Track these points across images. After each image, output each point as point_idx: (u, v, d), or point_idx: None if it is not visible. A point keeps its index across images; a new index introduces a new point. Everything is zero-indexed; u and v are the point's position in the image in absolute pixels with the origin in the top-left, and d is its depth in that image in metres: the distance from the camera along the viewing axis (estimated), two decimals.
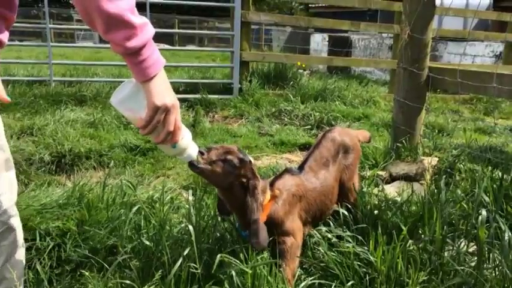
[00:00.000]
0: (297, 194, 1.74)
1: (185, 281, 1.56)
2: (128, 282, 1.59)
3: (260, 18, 6.64)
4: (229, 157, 1.51)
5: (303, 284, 1.61)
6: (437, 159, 3.07)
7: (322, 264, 1.71)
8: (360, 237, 1.79)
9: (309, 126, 4.70)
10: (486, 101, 6.47)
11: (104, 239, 1.90)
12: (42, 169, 3.11)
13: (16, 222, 1.36)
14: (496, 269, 1.55)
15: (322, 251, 1.72)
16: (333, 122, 4.74)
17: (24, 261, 1.45)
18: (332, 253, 1.69)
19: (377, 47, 10.73)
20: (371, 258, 1.63)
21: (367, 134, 2.35)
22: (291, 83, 6.16)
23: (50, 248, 1.84)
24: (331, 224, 1.88)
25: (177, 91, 5.58)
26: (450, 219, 1.92)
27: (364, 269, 1.63)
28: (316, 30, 13.59)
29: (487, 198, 2.02)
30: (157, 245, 1.75)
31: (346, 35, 11.51)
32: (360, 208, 2.01)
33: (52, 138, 3.48)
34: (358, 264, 1.63)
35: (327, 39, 11.76)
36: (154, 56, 1.14)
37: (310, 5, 22.16)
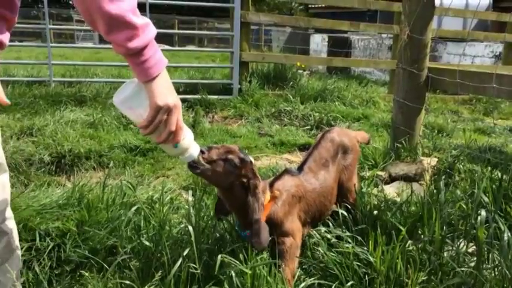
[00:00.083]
0: (297, 194, 1.74)
1: (185, 282, 1.56)
2: (127, 282, 1.59)
3: (260, 19, 6.65)
4: (230, 156, 1.51)
5: (302, 284, 1.61)
6: (436, 159, 3.07)
7: (321, 265, 1.71)
8: (359, 238, 1.79)
9: (309, 127, 4.70)
10: (486, 101, 6.47)
11: (104, 239, 1.90)
12: (42, 170, 3.11)
13: (10, 225, 1.35)
14: (495, 269, 1.55)
15: (322, 251, 1.72)
16: (332, 123, 4.75)
17: (20, 264, 1.45)
18: (331, 253, 1.69)
19: (376, 48, 10.74)
20: (370, 258, 1.63)
21: (366, 135, 2.35)
22: (291, 83, 6.16)
23: (49, 248, 1.84)
24: (331, 224, 1.89)
25: (176, 91, 5.46)
26: (449, 220, 1.93)
27: (364, 269, 1.63)
28: (316, 30, 13.59)
29: (486, 199, 2.02)
30: (157, 245, 1.75)
31: (345, 35, 11.51)
32: (360, 208, 2.01)
33: (52, 138, 3.48)
34: (357, 265, 1.63)
35: (327, 39, 11.76)
36: (157, 56, 1.14)
37: (309, 6, 22.16)
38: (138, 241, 1.82)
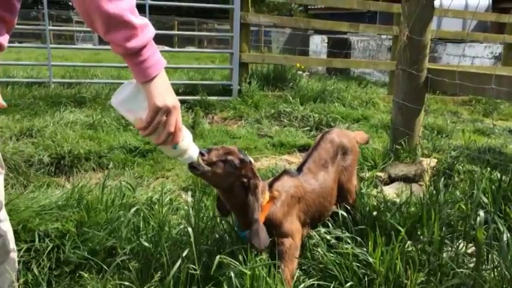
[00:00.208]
0: (296, 195, 1.74)
1: (184, 282, 1.56)
2: (126, 283, 1.59)
3: (259, 20, 6.67)
4: (230, 158, 1.51)
5: (302, 285, 1.61)
6: (436, 160, 3.07)
7: (321, 266, 1.71)
8: (358, 239, 1.79)
9: (308, 128, 4.70)
10: (485, 102, 6.48)
11: (103, 240, 1.90)
12: (42, 171, 3.11)
13: (5, 228, 1.34)
14: (495, 270, 1.55)
15: (321, 252, 1.72)
16: (332, 124, 4.75)
17: (16, 266, 1.44)
18: (331, 254, 1.69)
19: (376, 49, 10.75)
20: (370, 259, 1.63)
21: (365, 136, 2.35)
22: (290, 84, 6.16)
23: (49, 249, 1.83)
24: (330, 225, 1.88)
25: (176, 92, 5.47)
26: (449, 221, 1.93)
27: (363, 270, 1.63)
28: (316, 31, 13.60)
29: (485, 200, 2.02)
30: (156, 246, 1.75)
31: (345, 36, 11.52)
32: (359, 209, 2.01)
33: (51, 139, 3.48)
34: (357, 265, 1.63)
35: (326, 40, 11.78)
36: (155, 56, 1.14)
37: (309, 7, 22.19)
38: (138, 242, 1.82)
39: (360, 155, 2.60)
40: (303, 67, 7.25)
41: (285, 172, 1.83)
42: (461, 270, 1.59)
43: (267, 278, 1.51)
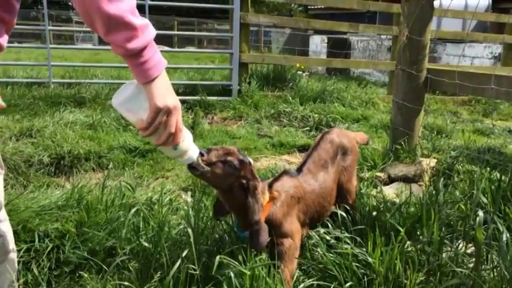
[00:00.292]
0: (296, 195, 1.74)
1: (184, 283, 1.56)
2: (126, 283, 1.59)
3: (259, 20, 6.67)
4: (230, 158, 1.51)
5: (301, 285, 1.61)
6: (435, 160, 3.07)
7: (320, 266, 1.71)
8: (358, 239, 1.79)
9: (308, 128, 4.70)
10: (485, 102, 6.48)
11: (103, 240, 1.90)
12: (41, 171, 3.11)
13: (4, 228, 1.34)
14: (494, 270, 1.56)
15: (321, 252, 1.72)
16: (331, 124, 4.75)
17: (16, 266, 1.44)
18: (330, 254, 1.70)
19: (376, 49, 10.75)
20: (369, 259, 1.64)
21: (365, 136, 2.35)
22: (290, 84, 6.17)
23: (48, 249, 1.84)
24: (330, 225, 1.89)
25: (176, 93, 5.48)
26: (448, 221, 1.93)
27: (363, 270, 1.64)
28: (315, 31, 13.62)
29: (485, 200, 2.02)
30: (156, 246, 1.75)
31: (345, 36, 11.53)
32: (359, 209, 2.01)
33: (51, 140, 3.48)
34: (356, 266, 1.63)
35: (326, 40, 11.79)
36: (156, 57, 1.13)
37: (309, 7, 22.20)
38: (137, 242, 1.82)
39: (359, 155, 2.61)
40: (302, 67, 7.26)
41: (285, 172, 1.83)
42: (460, 270, 1.59)
43: (267, 278, 1.52)
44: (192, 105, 5.31)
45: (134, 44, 1.07)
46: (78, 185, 2.27)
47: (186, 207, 2.21)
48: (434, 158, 3.16)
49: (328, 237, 1.80)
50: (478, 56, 8.95)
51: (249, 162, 1.56)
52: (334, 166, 1.93)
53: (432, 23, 3.12)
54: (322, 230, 1.84)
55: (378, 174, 2.92)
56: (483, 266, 1.62)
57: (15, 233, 1.80)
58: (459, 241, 1.79)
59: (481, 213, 1.62)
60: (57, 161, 3.26)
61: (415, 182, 2.84)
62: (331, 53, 11.04)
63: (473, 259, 1.65)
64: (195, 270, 1.58)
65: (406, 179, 2.83)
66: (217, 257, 1.56)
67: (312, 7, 21.41)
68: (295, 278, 1.66)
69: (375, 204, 2.06)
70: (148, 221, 1.97)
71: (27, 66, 7.11)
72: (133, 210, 2.00)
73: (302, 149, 4.00)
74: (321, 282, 1.64)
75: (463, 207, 1.99)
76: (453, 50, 9.07)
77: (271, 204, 1.65)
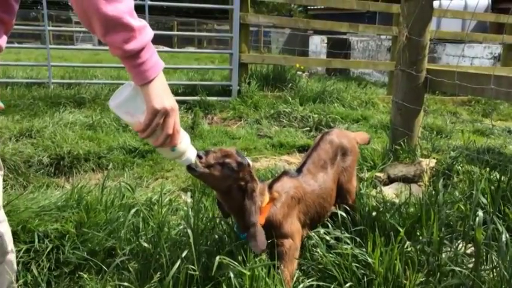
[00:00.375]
0: (296, 196, 1.74)
1: (183, 283, 1.56)
2: (126, 284, 1.59)
3: (259, 20, 6.68)
4: (228, 160, 1.51)
5: (301, 285, 1.62)
6: (435, 160, 3.07)
7: (320, 266, 1.71)
8: (358, 239, 1.79)
9: (308, 128, 4.70)
10: (484, 102, 6.48)
11: (103, 241, 1.90)
12: (41, 171, 3.11)
13: (3, 229, 1.34)
14: (494, 270, 1.56)
15: (321, 252, 1.72)
16: (331, 124, 4.75)
17: (15, 267, 1.44)
18: (330, 255, 1.70)
19: (375, 49, 10.75)
20: (369, 259, 1.64)
21: (365, 136, 2.35)
22: (290, 85, 6.16)
23: (48, 250, 1.84)
24: (330, 225, 1.89)
25: (176, 93, 5.58)
26: (448, 221, 1.93)
27: (362, 271, 1.64)
28: (315, 32, 13.62)
29: (484, 200, 2.02)
30: (156, 247, 1.75)
31: (344, 37, 11.54)
32: (358, 210, 2.01)
33: (51, 140, 3.48)
34: (356, 266, 1.63)
35: (326, 41, 11.79)
36: (153, 58, 1.13)
37: (308, 7, 22.21)
38: (137, 243, 1.82)
39: (359, 155, 2.61)
40: (302, 67, 7.26)
41: (285, 173, 1.82)
42: (460, 270, 1.59)
43: (267, 279, 1.52)
44: (191, 106, 5.31)
45: (132, 46, 1.07)
46: (78, 186, 2.27)
47: (185, 208, 2.21)
48: (434, 158, 3.16)
49: (328, 238, 1.80)
50: (478, 56, 8.96)
51: (248, 164, 1.56)
52: (333, 167, 1.93)
53: (432, 23, 3.12)
54: (322, 231, 1.84)
55: (378, 174, 2.92)
56: (482, 266, 1.62)
57: (15, 233, 1.80)
58: (459, 241, 1.79)
59: (480, 213, 1.62)
60: (56, 161, 3.26)
61: (415, 182, 2.84)
62: (330, 53, 11.04)
63: (473, 259, 1.65)
64: (194, 270, 1.58)
65: (406, 179, 2.83)
66: (217, 258, 1.56)
67: (312, 7, 21.43)
68: (295, 278, 1.66)
69: (374, 204, 2.06)
70: (148, 222, 1.97)
71: (27, 66, 7.11)
72: (133, 210, 2.00)
73: (302, 149, 4.00)
74: (320, 283, 1.64)
75: (462, 207, 1.99)
76: (453, 50, 9.07)
77: (271, 205, 1.65)
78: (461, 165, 2.85)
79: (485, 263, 1.65)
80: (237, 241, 1.73)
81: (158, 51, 1.19)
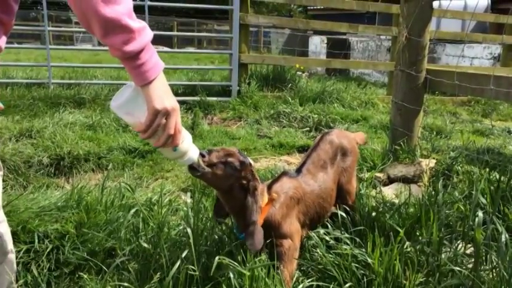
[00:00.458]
0: (295, 196, 1.74)
1: (183, 283, 1.56)
2: (126, 284, 1.59)
3: (259, 21, 6.67)
4: (230, 159, 1.51)
5: (300, 286, 1.62)
6: (435, 161, 3.08)
7: (320, 266, 1.72)
8: (357, 239, 1.80)
9: (308, 128, 4.70)
10: (484, 103, 6.49)
11: (103, 241, 1.90)
12: (41, 172, 3.11)
13: (2, 229, 1.34)
14: (493, 270, 1.56)
15: (320, 253, 1.72)
16: (331, 124, 4.75)
17: (14, 268, 1.44)
18: (330, 255, 1.70)
19: (375, 49, 10.76)
20: (369, 260, 1.64)
21: (362, 136, 2.36)
22: (290, 85, 6.17)
23: (48, 250, 1.84)
24: (329, 226, 1.89)
25: (175, 93, 5.55)
26: (447, 221, 1.93)
27: (362, 271, 1.64)
28: (315, 32, 13.62)
29: (484, 200, 2.03)
30: (156, 247, 1.75)
31: (344, 37, 11.54)
32: (358, 210, 2.01)
33: (51, 140, 3.48)
34: (355, 266, 1.63)
35: (326, 41, 11.79)
36: (153, 59, 1.13)
37: (308, 8, 22.21)
38: (137, 243, 1.82)
39: (359, 155, 2.61)
40: (302, 68, 7.26)
41: (284, 173, 1.83)
42: (459, 270, 1.59)
43: (266, 279, 1.52)
44: (191, 106, 5.31)
45: (131, 47, 1.08)
46: (78, 186, 2.27)
47: (185, 208, 2.21)
48: (434, 158, 3.16)
49: (327, 238, 1.80)
50: (477, 56, 8.96)
51: (250, 163, 1.57)
52: (333, 167, 1.94)
53: (431, 24, 3.12)
54: (321, 231, 1.84)
55: (377, 174, 2.92)
56: (482, 267, 1.62)
57: (15, 233, 1.80)
58: (458, 241, 1.79)
59: (480, 213, 1.63)
60: (56, 161, 3.26)
61: (415, 182, 2.84)
62: (330, 53, 11.04)
63: (473, 259, 1.65)
64: (194, 271, 1.58)
65: (406, 180, 2.83)
66: (217, 258, 1.56)
67: (312, 8, 21.43)
68: (294, 278, 1.66)
69: (374, 204, 2.06)
70: (148, 222, 1.97)
71: (27, 67, 7.10)
72: (132, 211, 2.00)
73: (301, 149, 4.00)
74: (320, 283, 1.64)
75: (462, 207, 2.00)
76: (452, 51, 9.07)
77: (270, 205, 1.65)
78: (460, 165, 2.85)
79: (484, 263, 1.65)
80: (236, 241, 1.74)
81: (158, 52, 1.19)
